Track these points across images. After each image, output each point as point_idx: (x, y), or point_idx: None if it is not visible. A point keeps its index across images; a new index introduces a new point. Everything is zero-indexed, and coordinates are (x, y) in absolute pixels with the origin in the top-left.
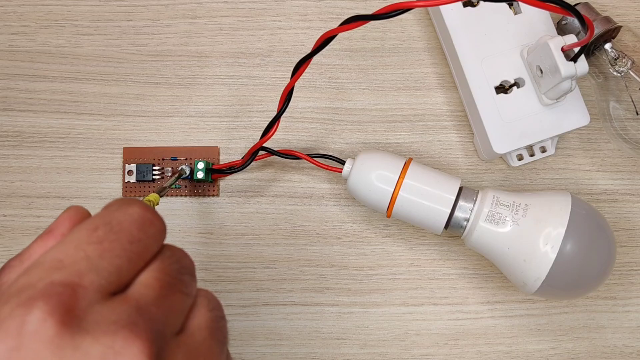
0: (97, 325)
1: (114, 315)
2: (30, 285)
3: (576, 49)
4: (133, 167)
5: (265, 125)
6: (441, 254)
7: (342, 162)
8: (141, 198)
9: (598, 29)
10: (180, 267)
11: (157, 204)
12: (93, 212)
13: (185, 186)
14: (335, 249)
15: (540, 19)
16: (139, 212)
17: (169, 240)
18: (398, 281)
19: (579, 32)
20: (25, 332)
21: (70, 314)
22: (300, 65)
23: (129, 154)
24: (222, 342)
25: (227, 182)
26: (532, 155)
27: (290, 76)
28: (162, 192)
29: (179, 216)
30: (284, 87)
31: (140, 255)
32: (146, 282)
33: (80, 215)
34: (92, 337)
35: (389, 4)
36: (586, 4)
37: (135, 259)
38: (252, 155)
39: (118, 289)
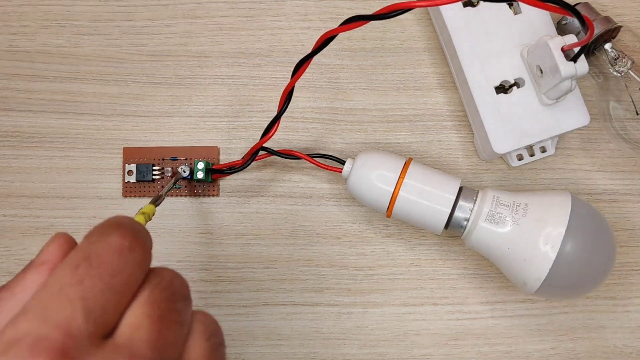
0: None
1: None
2: (17, 340)
3: (576, 49)
4: (133, 167)
5: (265, 125)
6: (441, 254)
7: (342, 162)
8: (136, 213)
9: (598, 29)
10: (171, 294)
11: (153, 214)
12: (94, 213)
13: (185, 186)
14: (335, 249)
15: (540, 19)
16: (118, 240)
17: (169, 240)
18: (398, 281)
19: (579, 32)
20: None
21: None
22: (301, 66)
23: (129, 154)
24: None
25: (227, 182)
26: (532, 155)
27: (290, 76)
28: (157, 201)
29: (179, 216)
30: (284, 87)
31: (126, 286)
32: (136, 321)
33: (69, 244)
34: None
35: (389, 4)
36: (586, 4)
37: (122, 291)
38: (252, 155)
39: (109, 330)
